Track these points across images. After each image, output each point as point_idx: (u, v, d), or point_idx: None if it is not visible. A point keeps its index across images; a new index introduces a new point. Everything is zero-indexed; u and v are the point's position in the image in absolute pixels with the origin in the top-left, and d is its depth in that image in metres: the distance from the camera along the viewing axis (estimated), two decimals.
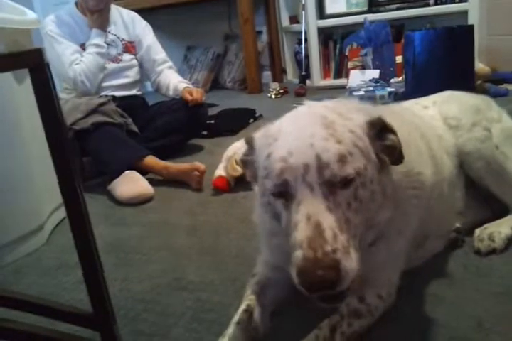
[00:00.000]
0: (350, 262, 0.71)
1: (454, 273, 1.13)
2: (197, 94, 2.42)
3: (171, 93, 2.59)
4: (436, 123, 1.25)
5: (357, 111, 0.86)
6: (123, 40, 2.57)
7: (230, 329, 0.93)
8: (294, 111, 0.88)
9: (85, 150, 2.14)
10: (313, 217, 0.72)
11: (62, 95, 2.46)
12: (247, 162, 0.91)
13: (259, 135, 0.87)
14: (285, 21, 4.59)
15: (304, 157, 0.74)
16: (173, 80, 2.58)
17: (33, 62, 0.68)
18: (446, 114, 1.27)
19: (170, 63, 2.68)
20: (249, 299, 1.01)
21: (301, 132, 0.78)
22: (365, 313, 0.93)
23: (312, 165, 0.74)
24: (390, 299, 0.98)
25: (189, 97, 2.41)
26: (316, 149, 0.75)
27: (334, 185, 0.75)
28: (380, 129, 0.84)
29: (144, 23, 2.67)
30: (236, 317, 0.96)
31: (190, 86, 2.58)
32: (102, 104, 2.21)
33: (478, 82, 2.87)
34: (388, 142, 0.84)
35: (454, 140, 1.23)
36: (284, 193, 0.77)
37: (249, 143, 0.90)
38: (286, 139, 0.78)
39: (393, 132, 0.85)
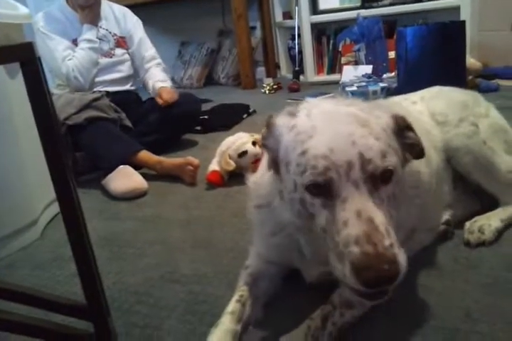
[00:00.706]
0: (402, 255, 0.70)
1: (443, 265, 1.15)
2: (167, 95, 2.40)
3: (150, 92, 2.59)
4: (423, 118, 1.26)
5: (375, 109, 0.86)
6: (115, 35, 2.56)
7: (223, 319, 0.94)
8: (319, 108, 0.85)
9: (78, 145, 2.14)
10: (363, 213, 0.71)
11: (55, 91, 2.45)
12: (267, 147, 0.88)
13: (283, 124, 0.84)
14: (278, 17, 4.58)
15: (347, 154, 0.73)
16: (153, 79, 2.57)
17: (24, 56, 0.68)
18: (434, 110, 1.28)
19: (158, 60, 2.67)
20: (241, 290, 1.02)
21: (339, 130, 0.76)
22: (357, 304, 0.94)
23: (355, 163, 0.73)
24: None
25: (159, 100, 2.40)
26: (359, 147, 0.74)
27: (377, 180, 0.74)
28: (402, 127, 0.84)
29: (135, 18, 2.66)
30: (229, 307, 0.97)
31: (167, 85, 2.54)
32: (95, 99, 2.20)
33: (470, 77, 2.89)
34: (409, 140, 0.85)
35: (441, 135, 1.24)
36: (323, 191, 0.75)
37: (270, 128, 0.86)
38: (324, 137, 0.76)
39: (413, 130, 0.86)
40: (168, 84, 2.57)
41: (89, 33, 2.42)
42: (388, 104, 1.25)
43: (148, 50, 2.65)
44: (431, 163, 1.11)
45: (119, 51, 2.57)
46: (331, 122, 0.79)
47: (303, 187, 0.77)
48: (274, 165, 0.86)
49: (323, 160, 0.74)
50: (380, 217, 0.71)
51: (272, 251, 1.04)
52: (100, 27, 2.51)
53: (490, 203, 1.32)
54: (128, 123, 2.40)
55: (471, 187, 1.31)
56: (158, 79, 2.56)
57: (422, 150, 0.88)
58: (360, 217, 0.70)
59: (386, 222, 0.72)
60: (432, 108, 1.29)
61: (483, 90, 2.67)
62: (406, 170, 0.93)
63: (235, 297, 1.00)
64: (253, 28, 4.60)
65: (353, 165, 0.73)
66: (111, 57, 2.54)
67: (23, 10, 1.54)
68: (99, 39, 2.48)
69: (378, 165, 0.74)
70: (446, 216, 1.27)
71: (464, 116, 1.27)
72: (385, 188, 0.76)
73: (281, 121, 0.85)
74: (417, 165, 1.00)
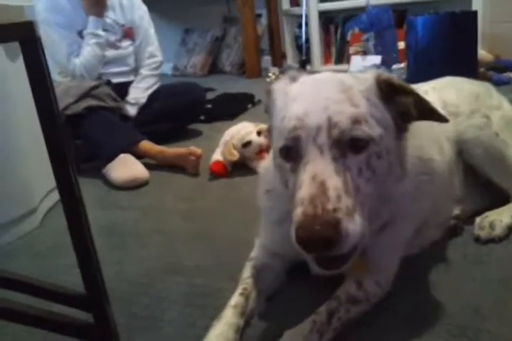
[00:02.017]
0: (353, 225, 0.69)
1: (452, 261, 1.13)
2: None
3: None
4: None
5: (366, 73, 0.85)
6: (122, 25, 2.48)
7: (226, 312, 0.92)
8: (315, 75, 0.87)
9: (78, 134, 2.11)
10: (318, 176, 0.71)
11: (57, 78, 2.40)
12: (268, 113, 0.90)
13: (278, 90, 0.87)
14: (285, 4, 4.51)
15: (318, 119, 0.75)
16: (131, 94, 2.46)
17: (24, 35, 0.65)
18: (445, 101, 1.26)
19: (155, 59, 2.57)
20: (245, 282, 1.00)
21: (317, 95, 0.78)
22: (363, 300, 0.93)
23: (323, 127, 0.74)
24: (388, 286, 0.97)
25: None
26: (329, 112, 0.75)
27: (345, 147, 0.74)
28: (390, 90, 0.82)
29: (144, 8, 2.57)
30: (232, 300, 0.95)
31: (133, 109, 2.43)
32: (94, 88, 2.16)
33: (481, 69, 2.84)
34: (401, 107, 0.83)
35: (453, 126, 1.21)
36: (292, 155, 0.76)
37: (269, 93, 0.89)
38: (303, 101, 0.78)
39: (406, 92, 0.83)
40: (136, 104, 2.44)
41: (94, 26, 2.33)
42: None
43: (151, 44, 2.57)
44: (444, 152, 1.09)
45: (125, 43, 2.49)
46: (315, 88, 0.81)
47: (278, 149, 0.79)
48: (269, 133, 0.88)
49: (294, 123, 0.76)
50: (334, 182, 0.70)
51: (277, 242, 1.02)
52: (107, 17, 2.42)
53: (500, 198, 1.29)
54: (127, 111, 2.36)
55: (481, 181, 1.28)
56: (132, 97, 2.45)
57: (431, 110, 0.85)
58: (314, 180, 0.70)
59: (342, 189, 0.70)
60: (444, 98, 1.26)
61: (494, 83, 2.61)
62: (416, 155, 0.91)
63: (239, 290, 0.98)
64: (259, 15, 4.54)
65: (321, 130, 0.74)
66: (117, 49, 2.47)
67: None
68: (106, 30, 2.40)
69: (344, 130, 0.74)
70: (456, 211, 1.24)
71: (475, 108, 1.24)
72: (355, 157, 0.74)
73: (279, 86, 0.87)
74: (429, 151, 0.97)
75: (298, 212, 0.69)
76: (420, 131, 0.92)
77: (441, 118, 0.87)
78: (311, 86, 0.82)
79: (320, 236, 0.66)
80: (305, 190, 0.70)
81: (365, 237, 0.74)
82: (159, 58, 2.60)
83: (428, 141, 0.99)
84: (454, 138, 1.20)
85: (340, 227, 0.67)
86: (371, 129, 0.76)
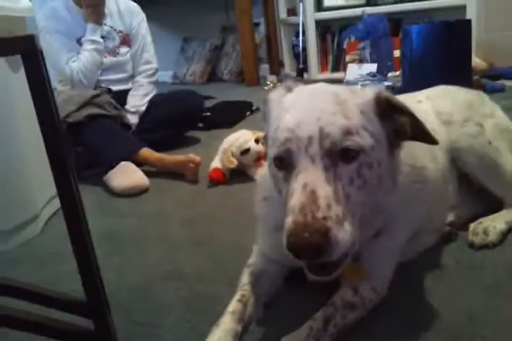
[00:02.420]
0: (343, 233, 0.71)
1: (446, 266, 1.14)
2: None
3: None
4: (429, 117, 1.25)
5: (364, 90, 0.87)
6: (120, 32, 2.52)
7: (224, 318, 0.94)
8: (310, 86, 0.89)
9: (79, 142, 2.13)
10: (309, 185, 0.72)
11: (57, 86, 2.43)
12: (265, 122, 0.92)
13: (274, 100, 0.89)
14: (283, 13, 4.56)
15: (309, 129, 0.76)
16: (129, 102, 2.49)
17: (25, 48, 0.67)
18: (439, 109, 1.27)
19: (150, 65, 2.60)
20: (243, 289, 1.01)
21: (310, 106, 0.80)
22: (359, 306, 0.94)
23: (315, 137, 0.75)
24: (383, 292, 0.98)
25: None
26: (321, 123, 0.76)
27: (336, 157, 0.76)
28: (389, 108, 0.84)
29: (142, 16, 2.60)
30: (230, 307, 0.96)
31: (133, 118, 2.46)
32: (95, 96, 2.18)
33: (475, 77, 2.87)
34: (397, 125, 0.84)
35: (446, 135, 1.23)
36: (285, 164, 0.78)
37: (265, 103, 0.92)
38: (296, 112, 0.80)
39: (404, 111, 0.85)
40: (136, 112, 2.47)
41: (93, 33, 2.38)
42: None
43: (147, 51, 2.60)
44: (437, 160, 1.11)
45: (123, 49, 2.53)
46: (309, 99, 0.82)
47: (272, 160, 0.81)
48: (265, 141, 0.90)
49: (286, 133, 0.78)
50: (324, 191, 0.72)
51: (274, 249, 1.03)
52: (105, 24, 2.47)
53: (494, 205, 1.31)
54: (128, 120, 2.39)
55: (475, 188, 1.30)
56: (131, 106, 2.48)
57: (424, 131, 0.86)
58: (305, 189, 0.72)
59: (333, 198, 0.72)
60: (437, 107, 1.28)
61: (488, 91, 2.65)
62: (408, 163, 0.93)
63: (237, 296, 0.99)
64: (257, 24, 4.59)
65: (313, 140, 0.75)
66: (115, 56, 2.51)
67: (25, 2, 1.53)
68: (104, 37, 2.44)
69: (336, 141, 0.75)
70: (450, 217, 1.26)
71: (469, 116, 1.26)
72: (346, 167, 0.76)
73: (275, 95, 0.89)
74: (422, 160, 0.99)
75: (289, 220, 0.71)
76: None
77: (432, 141, 0.88)
78: (304, 97, 0.84)
79: (309, 244, 0.68)
80: (296, 198, 0.72)
81: (356, 245, 0.76)
82: (154, 65, 2.63)
83: (421, 149, 1.01)
84: (448, 147, 1.22)
85: (330, 235, 0.69)
86: (362, 140, 0.77)
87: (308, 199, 0.71)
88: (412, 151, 0.93)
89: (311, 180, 0.73)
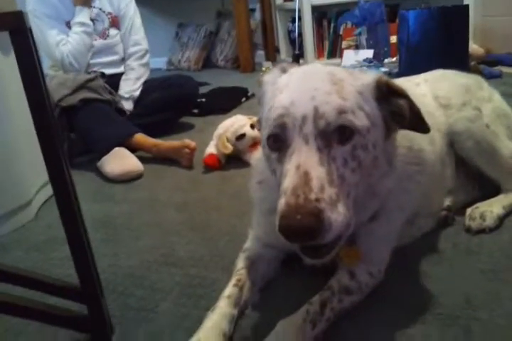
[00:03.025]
0: (336, 214, 0.69)
1: (443, 251, 1.14)
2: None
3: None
4: (426, 100, 1.24)
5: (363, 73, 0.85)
6: (109, 13, 2.49)
7: (220, 303, 0.93)
8: (305, 66, 0.87)
9: (73, 127, 2.11)
10: (302, 166, 0.71)
11: (49, 72, 2.40)
12: (259, 102, 0.91)
13: (268, 81, 0.87)
14: None
15: (304, 108, 0.75)
16: (122, 88, 2.45)
17: (13, 25, 0.65)
18: (437, 93, 1.26)
19: (140, 47, 2.56)
20: (239, 273, 1.01)
21: (305, 85, 0.78)
22: (356, 290, 0.94)
23: (309, 117, 0.74)
24: (380, 276, 0.98)
25: None
26: (316, 102, 0.75)
27: (330, 138, 0.74)
28: (388, 92, 0.82)
29: None
30: (226, 291, 0.96)
31: (128, 105, 2.43)
32: (89, 80, 2.16)
33: (472, 63, 2.86)
34: (395, 108, 0.83)
35: (444, 118, 1.22)
36: (279, 144, 0.77)
37: (260, 85, 0.90)
38: (290, 91, 0.79)
39: (403, 96, 0.83)
40: (130, 98, 2.44)
41: (81, 16, 2.34)
42: None
43: (136, 33, 2.55)
44: (435, 143, 1.10)
45: (113, 31, 2.50)
46: (304, 79, 0.81)
47: (265, 139, 0.80)
48: (259, 123, 0.89)
49: (280, 110, 0.76)
50: (318, 173, 0.71)
51: (270, 233, 1.02)
52: (94, 7, 2.43)
53: (491, 189, 1.30)
54: (122, 106, 2.36)
55: (472, 172, 1.29)
56: (124, 91, 2.44)
57: (420, 118, 0.84)
58: (298, 170, 0.71)
59: (326, 179, 0.71)
60: (435, 90, 1.27)
61: (486, 77, 2.62)
62: (406, 145, 0.92)
63: (232, 281, 0.99)
64: (253, 10, 4.53)
65: (307, 119, 0.74)
66: (105, 38, 2.47)
67: None
68: (93, 19, 2.40)
69: (331, 121, 0.74)
70: (446, 202, 1.25)
71: (467, 100, 1.25)
72: (341, 148, 0.75)
73: (269, 77, 0.88)
74: (420, 142, 0.98)
75: (281, 202, 0.69)
76: None
77: (425, 129, 0.87)
78: (299, 76, 0.82)
79: (301, 226, 0.66)
80: (289, 180, 0.70)
81: (350, 227, 0.75)
82: (144, 46, 2.59)
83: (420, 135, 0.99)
84: (445, 130, 1.21)
85: (323, 217, 0.67)
86: (358, 120, 0.76)
87: (301, 180, 0.69)
88: (409, 133, 0.91)
89: (304, 161, 0.72)
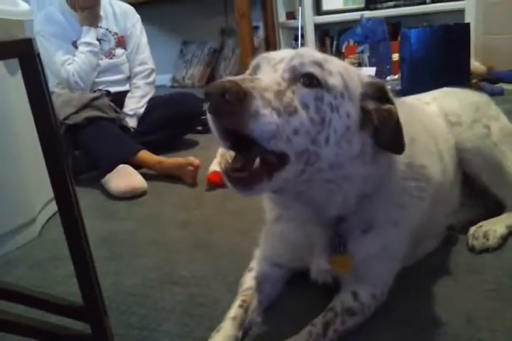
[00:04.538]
0: (267, 111, 0.69)
1: (445, 270, 1.14)
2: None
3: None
4: (438, 120, 1.24)
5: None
6: (115, 33, 2.53)
7: (225, 324, 0.93)
8: None
9: (78, 144, 2.13)
10: (260, 77, 0.74)
11: (55, 90, 2.43)
12: None
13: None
14: (282, 17, 4.57)
15: (284, 54, 0.79)
16: (127, 105, 2.48)
17: (23, 51, 0.67)
18: (447, 110, 1.26)
19: (146, 66, 2.59)
20: (244, 294, 1.00)
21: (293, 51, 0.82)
22: (359, 312, 0.94)
23: (287, 58, 0.78)
24: (383, 298, 0.98)
25: None
26: (299, 51, 0.79)
27: (298, 78, 0.76)
28: (378, 94, 0.84)
29: (136, 17, 2.61)
30: (231, 312, 0.95)
31: (132, 122, 2.45)
32: (94, 99, 2.18)
33: (474, 80, 2.88)
34: (384, 107, 0.83)
35: (453, 138, 1.22)
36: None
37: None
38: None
39: (391, 103, 0.84)
40: (135, 115, 2.46)
41: (88, 36, 2.39)
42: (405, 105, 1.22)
43: (142, 53, 2.59)
44: (444, 162, 1.10)
45: (119, 51, 2.54)
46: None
47: None
48: None
49: (259, 57, 0.81)
50: (265, 85, 0.71)
51: (276, 245, 1.03)
52: (100, 27, 2.47)
53: (495, 208, 1.31)
54: (127, 123, 2.39)
55: (476, 191, 1.29)
56: (129, 109, 2.47)
57: (398, 130, 0.82)
58: (253, 78, 0.73)
59: (272, 93, 0.71)
60: (445, 108, 1.27)
61: (488, 94, 2.64)
62: (404, 161, 0.92)
63: (238, 301, 0.98)
64: (256, 27, 4.59)
65: (284, 59, 0.78)
66: (111, 57, 2.51)
67: (23, 6, 1.53)
68: (99, 39, 2.45)
69: (304, 63, 0.76)
70: (450, 221, 1.25)
71: (477, 118, 1.25)
72: (304, 88, 0.76)
73: None
74: (423, 160, 0.98)
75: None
76: (414, 140, 0.93)
77: (400, 147, 0.84)
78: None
79: (227, 87, 0.66)
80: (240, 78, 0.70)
81: (286, 157, 0.73)
82: (150, 65, 2.62)
83: (423, 151, 0.99)
84: (454, 150, 1.21)
85: (250, 94, 0.67)
86: (332, 79, 0.78)
87: (249, 78, 0.72)
88: (412, 149, 0.92)
89: (263, 77, 0.74)
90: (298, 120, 0.73)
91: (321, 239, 0.93)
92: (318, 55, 0.80)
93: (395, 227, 0.95)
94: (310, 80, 0.76)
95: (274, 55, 0.80)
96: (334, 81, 0.78)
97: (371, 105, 0.83)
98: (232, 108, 0.67)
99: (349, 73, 0.82)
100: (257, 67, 0.80)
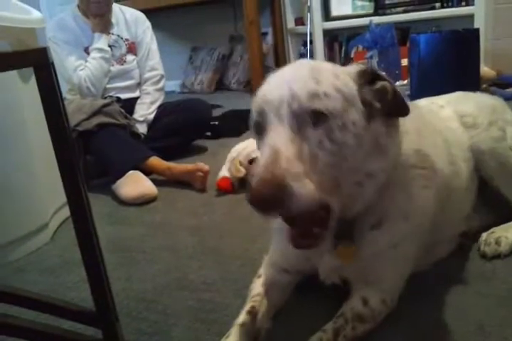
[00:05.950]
0: (301, 186, 0.72)
1: (456, 276, 1.13)
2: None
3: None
4: (453, 123, 1.23)
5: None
6: (126, 40, 2.56)
7: (233, 331, 0.92)
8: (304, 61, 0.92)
9: (89, 150, 2.15)
10: (275, 145, 0.75)
11: (67, 96, 2.47)
12: None
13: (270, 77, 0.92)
14: (290, 23, 4.58)
15: (280, 93, 0.79)
16: (137, 111, 2.50)
17: (37, 61, 0.69)
18: (463, 112, 1.25)
19: (156, 72, 2.61)
20: (253, 300, 1.00)
21: (284, 75, 0.84)
22: (369, 318, 0.93)
23: (285, 100, 0.78)
24: (393, 304, 0.97)
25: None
26: (291, 86, 0.79)
27: (304, 120, 0.78)
28: (371, 78, 0.85)
29: (147, 24, 2.64)
30: (240, 318, 0.95)
31: (142, 128, 2.48)
32: (105, 105, 2.21)
33: (484, 85, 2.86)
34: (377, 86, 0.85)
35: (469, 141, 1.21)
36: (261, 130, 0.82)
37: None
38: (270, 83, 0.84)
39: (385, 80, 0.85)
40: (144, 121, 2.48)
41: (100, 42, 2.42)
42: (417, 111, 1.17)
43: (152, 59, 2.62)
44: (461, 177, 1.12)
45: (130, 57, 2.57)
46: (283, 71, 0.86)
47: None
48: None
49: (260, 100, 0.83)
50: (288, 151, 0.74)
51: (285, 252, 1.03)
52: (112, 33, 2.51)
53: (507, 214, 1.29)
54: (137, 129, 2.41)
55: (489, 196, 1.28)
56: (139, 115, 2.49)
57: (399, 99, 0.85)
58: (271, 149, 0.75)
59: (294, 156, 0.74)
60: (461, 110, 1.26)
61: None
62: (412, 147, 0.93)
63: (246, 308, 0.98)
64: (265, 34, 4.61)
65: (283, 102, 0.78)
66: (122, 64, 2.54)
67: (36, 14, 1.55)
68: (111, 46, 2.48)
69: (303, 104, 0.77)
70: (463, 227, 1.24)
71: (493, 120, 1.24)
72: (314, 130, 0.77)
73: (272, 74, 0.91)
74: (430, 152, 0.98)
75: (253, 181, 0.73)
76: (423, 136, 0.95)
77: (405, 111, 0.87)
78: (280, 70, 0.87)
79: (264, 195, 0.70)
80: (262, 159, 0.75)
81: (333, 212, 0.79)
82: (159, 72, 2.64)
83: (432, 147, 1.00)
84: (470, 154, 1.20)
85: (285, 185, 0.71)
86: (331, 102, 0.79)
87: (272, 158, 0.74)
88: (419, 142, 0.94)
89: (276, 139, 0.76)
90: (321, 162, 0.77)
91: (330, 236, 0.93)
92: (308, 80, 0.80)
93: (405, 222, 0.94)
94: (316, 118, 0.78)
95: (270, 96, 0.80)
96: (334, 103, 0.79)
97: (368, 94, 0.84)
98: (277, 207, 0.72)
99: (340, 78, 0.83)
100: (262, 113, 0.81)
